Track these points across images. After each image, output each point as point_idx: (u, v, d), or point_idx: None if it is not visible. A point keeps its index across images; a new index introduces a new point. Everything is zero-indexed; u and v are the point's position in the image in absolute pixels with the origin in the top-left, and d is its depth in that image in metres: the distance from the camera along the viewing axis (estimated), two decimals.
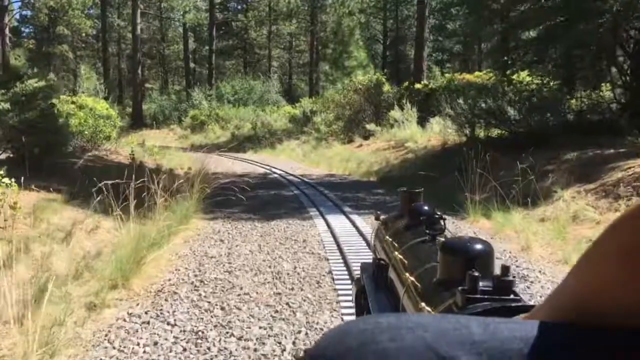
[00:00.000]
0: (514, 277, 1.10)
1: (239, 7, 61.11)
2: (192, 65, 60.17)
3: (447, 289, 1.19)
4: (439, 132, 18.58)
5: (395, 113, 20.34)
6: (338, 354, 0.46)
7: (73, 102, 18.84)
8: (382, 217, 2.31)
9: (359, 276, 2.22)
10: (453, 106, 17.19)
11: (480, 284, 1.09)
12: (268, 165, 20.18)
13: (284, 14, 48.13)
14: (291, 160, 23.93)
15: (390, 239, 1.92)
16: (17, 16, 58.83)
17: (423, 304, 1.28)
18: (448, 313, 1.08)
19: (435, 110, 22.09)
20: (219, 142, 35.07)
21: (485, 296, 1.07)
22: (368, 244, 7.18)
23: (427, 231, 1.70)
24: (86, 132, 16.59)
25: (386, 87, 25.12)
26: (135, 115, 43.72)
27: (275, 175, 16.94)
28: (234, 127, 36.72)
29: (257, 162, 21.72)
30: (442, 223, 1.78)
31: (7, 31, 51.02)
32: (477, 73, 27.08)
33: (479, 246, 1.22)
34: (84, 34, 59.58)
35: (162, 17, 56.46)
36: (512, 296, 1.07)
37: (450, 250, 1.25)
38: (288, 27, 51.85)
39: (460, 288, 1.09)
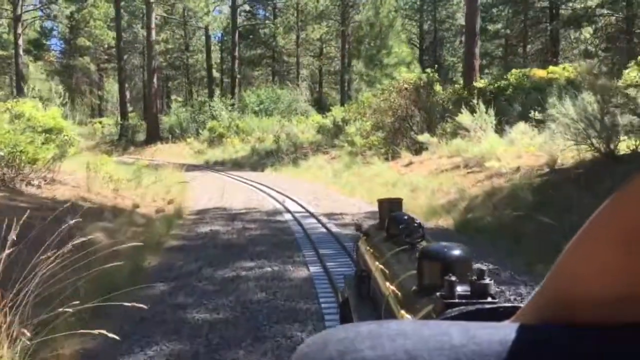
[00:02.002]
0: (490, 279, 1.05)
1: (267, 14, 55.17)
2: (217, 74, 54.27)
3: (427, 295, 1.17)
4: (534, 145, 11.86)
5: (464, 117, 13.63)
6: None
7: (8, 109, 12.71)
8: (363, 228, 2.21)
9: (342, 288, 2.11)
10: (558, 109, 10.52)
11: (458, 288, 1.07)
12: (284, 194, 13.69)
13: (313, 16, 41.81)
14: (317, 182, 17.39)
15: (371, 250, 1.90)
16: (39, 28, 53.79)
17: (403, 312, 1.26)
18: (428, 319, 1.05)
19: (510, 114, 15.38)
20: (237, 157, 28.76)
21: (463, 300, 1.03)
22: None
23: (407, 240, 1.66)
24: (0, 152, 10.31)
25: (437, 88, 18.45)
26: (150, 128, 37.77)
27: (289, 216, 10.35)
28: (256, 140, 30.39)
29: (271, 187, 15.27)
30: (421, 231, 1.72)
31: (20, 41, 45.91)
32: (552, 68, 20.12)
33: (456, 252, 1.20)
34: (106, 45, 54.42)
35: (185, 24, 50.66)
36: (489, 299, 1.05)
37: (428, 257, 1.22)
38: (317, 31, 45.57)
39: (438, 294, 1.07)
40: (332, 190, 15.04)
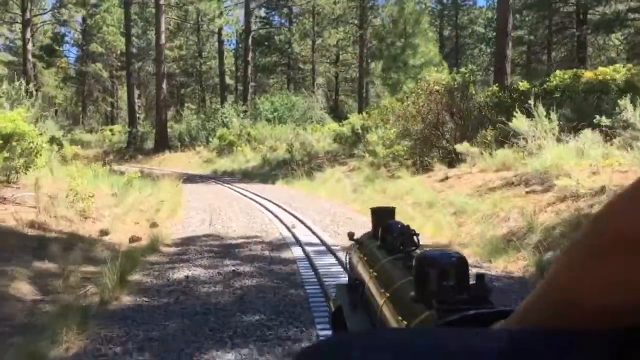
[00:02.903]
0: (489, 286, 1.04)
1: (282, 20, 52.69)
2: (231, 82, 51.84)
3: (423, 302, 1.15)
4: (616, 158, 9.01)
5: (519, 123, 10.75)
6: None
7: None
8: (355, 236, 2.18)
9: (335, 297, 2.08)
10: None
11: (456, 294, 1.06)
12: (295, 215, 10.94)
13: (330, 20, 39.14)
14: (335, 198, 14.60)
15: (365, 258, 1.86)
16: (51, 34, 51.72)
17: (399, 318, 1.24)
18: (424, 325, 1.07)
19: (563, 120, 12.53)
20: (247, 167, 26.07)
21: (461, 306, 1.01)
22: None
23: (401, 247, 1.65)
24: None
25: (472, 90, 15.63)
26: (158, 136, 35.24)
27: (298, 252, 7.50)
28: (268, 149, 27.70)
29: (280, 205, 12.54)
30: (416, 239, 1.68)
31: (29, 46, 43.75)
32: (602, 69, 17.18)
33: (452, 258, 1.17)
34: (119, 52, 52.17)
35: (198, 30, 48.32)
36: (487, 305, 1.03)
37: (424, 263, 1.19)
38: (334, 36, 42.94)
39: (436, 300, 1.05)
40: (353, 211, 12.24)
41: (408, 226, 1.75)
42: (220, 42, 45.19)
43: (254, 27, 46.40)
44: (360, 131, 22.05)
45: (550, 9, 38.18)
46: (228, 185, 18.78)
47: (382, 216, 1.98)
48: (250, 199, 14.45)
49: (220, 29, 44.00)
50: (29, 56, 41.28)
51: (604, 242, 0.39)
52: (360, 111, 33.72)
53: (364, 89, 37.91)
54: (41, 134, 11.70)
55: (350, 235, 2.21)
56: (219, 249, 7.89)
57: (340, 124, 28.24)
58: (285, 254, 7.45)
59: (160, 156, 33.37)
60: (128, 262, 6.70)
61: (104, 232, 8.75)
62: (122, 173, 20.52)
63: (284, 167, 22.02)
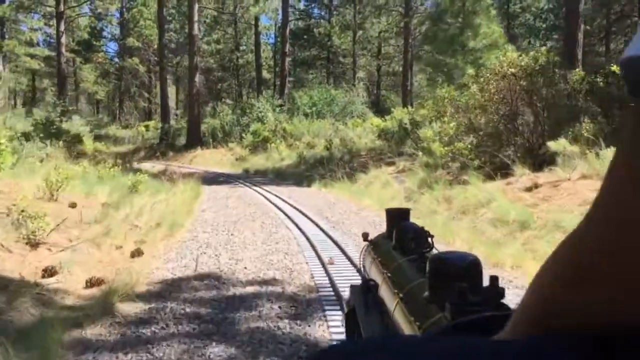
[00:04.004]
0: (502, 288, 1.01)
1: (322, 12, 49.47)
2: (269, 75, 48.95)
3: (437, 303, 1.13)
4: None
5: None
6: None
7: None
8: (370, 237, 2.13)
9: (348, 298, 2.03)
10: None
11: (469, 296, 1.02)
12: (333, 236, 7.75)
13: (372, 9, 35.70)
14: (384, 208, 11.33)
15: (379, 259, 1.83)
16: (89, 28, 49.72)
17: (412, 319, 1.22)
18: (437, 327, 1.05)
19: None
20: (281, 165, 22.96)
21: (474, 308, 0.99)
22: None
23: (415, 249, 1.62)
24: None
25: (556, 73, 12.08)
26: (190, 132, 32.50)
27: (336, 324, 4.31)
28: (305, 146, 24.56)
29: (315, 221, 9.35)
30: (430, 241, 1.68)
31: (63, 39, 41.68)
32: None
33: (466, 260, 1.15)
34: (155, 46, 49.81)
35: (235, 22, 45.54)
36: (500, 307, 1.01)
37: (439, 265, 1.17)
38: (377, 26, 39.52)
39: (449, 301, 1.02)
40: None
41: (422, 227, 1.70)
42: (257, 33, 42.24)
43: (292, 19, 43.36)
44: (409, 126, 18.68)
45: None
46: (256, 188, 15.68)
47: (397, 217, 1.89)
48: (279, 208, 11.28)
49: (257, 20, 41.06)
50: (63, 50, 39.17)
51: (558, 266, 0.43)
52: (405, 105, 30.28)
53: (408, 82, 34.35)
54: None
55: (365, 236, 2.13)
56: (210, 309, 4.72)
57: (384, 118, 24.97)
58: (316, 327, 4.24)
59: (191, 153, 30.62)
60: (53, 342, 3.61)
61: (50, 272, 5.71)
62: (140, 172, 17.76)
63: (321, 166, 18.81)
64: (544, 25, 41.23)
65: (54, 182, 9.20)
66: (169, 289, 5.44)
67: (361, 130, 24.21)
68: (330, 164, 18.55)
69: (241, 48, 48.09)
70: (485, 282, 1.11)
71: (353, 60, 42.40)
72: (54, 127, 18.76)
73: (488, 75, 12.63)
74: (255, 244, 7.56)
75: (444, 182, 11.86)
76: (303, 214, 10.26)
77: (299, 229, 8.66)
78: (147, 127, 41.54)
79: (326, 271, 5.87)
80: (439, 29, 17.74)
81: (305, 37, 48.14)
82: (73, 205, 9.24)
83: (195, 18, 32.06)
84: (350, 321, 1.93)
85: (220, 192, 14.80)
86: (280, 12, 38.16)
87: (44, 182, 9.31)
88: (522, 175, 10.18)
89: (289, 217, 9.86)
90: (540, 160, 10.59)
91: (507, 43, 16.44)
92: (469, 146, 12.89)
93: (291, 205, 11.50)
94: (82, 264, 6.31)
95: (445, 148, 13.79)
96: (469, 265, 1.13)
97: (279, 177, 20.52)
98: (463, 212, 9.59)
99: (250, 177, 20.65)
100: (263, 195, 13.84)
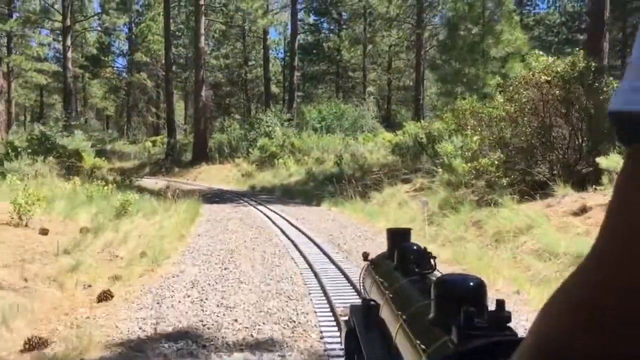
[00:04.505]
0: (508, 312, 0.98)
1: (331, 27, 48.40)
2: (277, 90, 47.82)
3: (442, 325, 1.09)
4: None
5: None
6: None
7: None
8: (370, 257, 2.09)
9: (347, 318, 1.98)
10: None
11: (475, 319, 0.99)
12: (344, 268, 6.31)
13: (383, 22, 34.46)
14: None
15: (380, 279, 1.78)
16: (97, 44, 48.87)
17: (417, 342, 1.17)
18: (443, 353, 1.02)
19: None
20: (289, 182, 21.58)
21: (480, 332, 0.97)
22: None
23: (417, 270, 1.58)
24: None
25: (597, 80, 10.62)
26: (197, 147, 31.25)
27: None
28: (314, 162, 23.20)
29: (324, 250, 7.93)
30: (432, 262, 1.63)
31: (69, 54, 40.73)
32: None
33: (472, 282, 1.12)
34: (164, 61, 48.83)
35: (244, 36, 44.55)
36: (507, 331, 0.98)
37: (444, 287, 1.14)
38: (387, 39, 38.32)
39: (456, 324, 0.99)
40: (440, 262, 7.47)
41: (425, 248, 1.65)
42: (266, 47, 41.13)
43: (301, 33, 42.30)
44: (425, 140, 17.26)
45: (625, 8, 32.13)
46: (261, 208, 14.29)
47: (398, 237, 1.85)
48: (284, 232, 9.85)
49: (265, 33, 40.00)
50: (69, 64, 38.19)
51: (568, 301, 0.39)
52: (417, 118, 28.93)
53: (420, 95, 32.99)
54: None
55: (365, 256, 2.08)
56: None
57: (395, 133, 23.60)
58: None
59: (197, 169, 29.35)
60: None
61: None
62: (139, 191, 16.44)
63: (331, 183, 17.39)
64: (556, 39, 39.87)
65: (22, 204, 7.85)
66: (129, 356, 4.01)
67: (372, 145, 22.84)
68: (341, 180, 17.14)
69: (250, 63, 47.03)
70: (490, 305, 1.02)
71: (363, 74, 41.21)
72: (49, 142, 17.52)
73: (517, 83, 11.21)
74: (252, 282, 6.12)
75: (469, 203, 10.39)
76: (311, 239, 8.83)
77: (306, 260, 7.23)
78: (154, 142, 40.39)
79: (340, 328, 4.43)
80: (458, 37, 16.35)
81: (314, 51, 47.10)
82: (44, 232, 7.88)
83: (202, 31, 30.99)
84: (350, 342, 1.84)
85: (221, 213, 13.41)
86: (289, 25, 37.10)
87: (12, 205, 7.96)
88: (565, 196, 8.70)
89: (294, 245, 8.43)
90: (580, 178, 9.13)
91: (531, 51, 15.07)
92: (496, 162, 11.43)
93: (298, 229, 10.07)
94: (30, 314, 4.92)
95: (469, 164, 12.35)
96: (475, 288, 1.08)
97: (286, 194, 19.13)
98: (497, 240, 8.12)
99: (256, 195, 19.26)
100: (268, 217, 12.43)
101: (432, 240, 8.97)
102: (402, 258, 1.72)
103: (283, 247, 8.40)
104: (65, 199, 11.32)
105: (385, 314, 1.60)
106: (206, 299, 5.42)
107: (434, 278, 1.29)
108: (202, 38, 30.79)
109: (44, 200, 8.84)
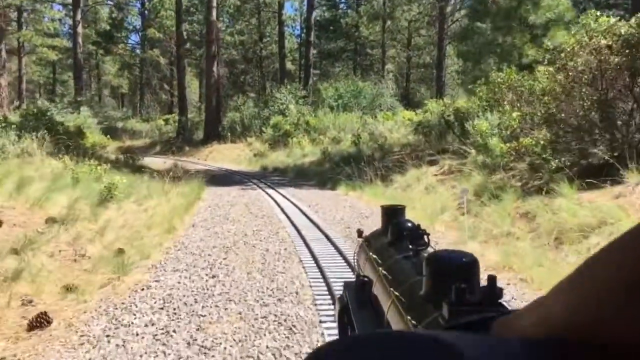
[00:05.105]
0: (500, 288, 0.96)
1: (350, 2, 46.26)
2: (292, 67, 45.93)
3: (433, 302, 1.07)
4: None
5: None
6: None
7: None
8: (364, 234, 1.98)
9: (341, 295, 1.86)
10: None
11: (467, 295, 0.97)
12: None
13: None
14: (435, 226, 8.18)
15: (374, 256, 1.69)
16: (109, 19, 47.23)
17: (409, 318, 1.15)
18: (434, 326, 1.02)
19: None
20: (304, 163, 19.94)
21: (472, 308, 0.94)
22: None
23: (411, 246, 1.51)
24: None
25: None
26: (208, 125, 29.66)
27: None
28: (330, 141, 21.51)
29: (338, 245, 6.27)
30: (426, 238, 1.53)
31: (79, 29, 39.17)
32: None
33: (464, 259, 1.07)
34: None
35: (259, 12, 42.59)
36: (498, 307, 0.95)
37: (436, 263, 1.09)
38: (407, 14, 36.19)
39: (447, 300, 0.97)
40: (482, 267, 5.78)
41: (419, 225, 1.61)
42: (281, 22, 39.16)
43: (317, 7, 40.28)
44: (452, 118, 15.45)
45: None
46: (270, 192, 12.67)
47: (392, 214, 1.80)
48: (294, 223, 8.22)
49: (281, 7, 38.04)
50: (79, 39, 36.64)
51: (619, 275, 0.34)
52: (439, 95, 26.99)
53: (443, 72, 30.98)
54: None
55: (359, 233, 2.00)
56: None
57: (415, 111, 21.80)
58: None
59: (208, 148, 27.80)
60: None
61: None
62: (142, 171, 14.93)
63: (348, 165, 15.70)
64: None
65: None
66: None
67: (392, 124, 21.04)
68: (359, 162, 15.43)
69: (265, 39, 45.11)
70: (483, 282, 0.97)
71: (382, 51, 39.18)
72: (45, 118, 16.02)
73: (570, 49, 9.34)
74: (244, 301, 4.50)
75: (513, 190, 8.65)
76: (325, 234, 7.19)
77: (318, 265, 5.59)
78: (166, 120, 38.88)
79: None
80: (491, 1, 14.38)
81: (331, 27, 45.12)
82: None
83: (214, 3, 29.18)
84: (343, 319, 1.77)
85: (225, 197, 11.81)
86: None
87: None
88: (639, 184, 6.93)
89: (305, 242, 6.79)
90: None
91: (575, 18, 13.14)
92: (542, 142, 9.64)
93: (310, 220, 8.43)
94: None
95: (507, 145, 10.57)
96: (467, 264, 1.04)
97: (300, 176, 17.49)
98: (557, 239, 6.40)
99: (268, 176, 17.64)
100: (276, 202, 10.80)
101: (473, 237, 7.27)
102: (396, 234, 1.61)
103: (290, 244, 6.77)
104: (47, 182, 9.80)
105: (378, 290, 1.53)
106: (174, 331, 3.81)
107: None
108: (214, 11, 29.00)
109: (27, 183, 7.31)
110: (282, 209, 9.82)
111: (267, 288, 4.83)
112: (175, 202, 10.12)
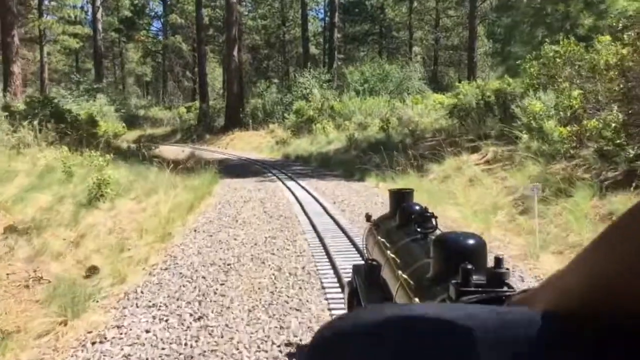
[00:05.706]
0: (507, 268, 0.94)
1: None
2: (316, 51, 44.11)
3: (441, 283, 1.07)
4: None
5: None
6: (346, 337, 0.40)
7: None
8: (372, 218, 2.00)
9: (350, 278, 1.91)
10: None
11: (474, 277, 0.97)
12: None
13: None
14: (491, 230, 6.51)
15: (382, 239, 1.73)
16: (131, 6, 45.98)
17: (417, 300, 1.15)
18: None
19: None
20: (328, 150, 18.33)
21: (479, 289, 0.94)
22: None
23: (419, 229, 1.53)
24: None
25: None
26: (229, 112, 28.20)
27: None
28: (356, 127, 19.84)
29: None
30: (434, 221, 1.56)
31: (99, 15, 37.98)
32: None
33: (471, 240, 1.10)
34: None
35: None
36: (505, 288, 0.94)
37: (443, 245, 1.12)
38: None
39: (453, 281, 0.97)
40: None
41: (426, 208, 1.60)
42: (304, 4, 37.34)
43: None
44: (492, 99, 13.65)
45: None
46: (291, 184, 11.13)
47: (401, 198, 1.79)
48: (315, 228, 6.64)
49: None
50: (99, 26, 35.49)
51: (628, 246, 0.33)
52: (470, 77, 25.00)
53: (475, 52, 28.93)
54: None
55: (368, 217, 2.01)
56: None
57: (445, 95, 19.95)
58: None
59: (229, 136, 26.38)
60: None
61: None
62: (153, 161, 13.53)
63: (377, 152, 14.01)
64: None
65: None
66: None
67: (422, 108, 19.25)
68: (389, 149, 13.75)
69: (287, 23, 43.35)
70: (490, 262, 0.94)
71: (409, 32, 37.13)
72: (51, 105, 14.71)
73: None
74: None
75: (588, 185, 6.90)
76: (356, 246, 5.59)
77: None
78: (188, 108, 37.58)
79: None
80: None
81: (356, 10, 43.10)
82: None
83: None
84: (353, 302, 1.77)
85: (239, 192, 10.29)
86: None
87: None
88: None
89: (329, 257, 5.20)
90: None
91: None
92: (614, 124, 7.85)
93: (336, 223, 6.84)
94: None
95: (567, 128, 8.79)
96: (474, 246, 1.05)
97: (324, 165, 15.90)
98: None
99: (289, 166, 16.09)
100: (296, 198, 9.23)
101: (544, 247, 5.59)
102: (404, 218, 1.61)
103: (310, 260, 5.20)
104: (32, 177, 8.41)
105: (387, 273, 1.52)
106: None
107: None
108: None
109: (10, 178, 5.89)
110: (302, 206, 8.25)
111: (274, 341, 3.26)
112: (180, 199, 8.65)
